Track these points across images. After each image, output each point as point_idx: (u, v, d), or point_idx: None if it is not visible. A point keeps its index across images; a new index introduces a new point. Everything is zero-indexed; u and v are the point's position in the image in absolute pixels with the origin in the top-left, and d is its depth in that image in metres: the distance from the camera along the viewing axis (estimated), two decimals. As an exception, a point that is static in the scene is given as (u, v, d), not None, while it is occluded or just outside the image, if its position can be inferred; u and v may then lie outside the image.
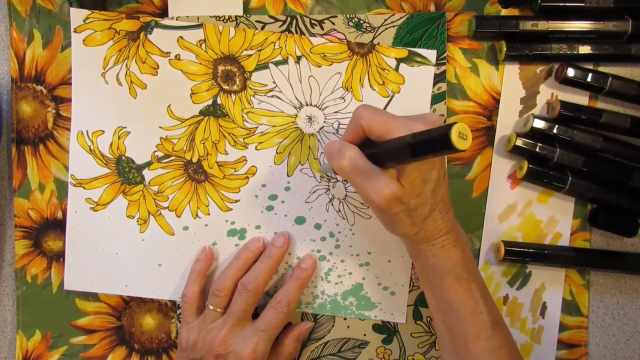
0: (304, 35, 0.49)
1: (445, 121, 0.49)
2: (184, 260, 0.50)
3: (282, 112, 0.49)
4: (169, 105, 0.49)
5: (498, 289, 0.50)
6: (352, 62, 0.49)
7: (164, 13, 0.49)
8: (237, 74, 0.49)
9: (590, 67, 0.49)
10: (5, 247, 0.51)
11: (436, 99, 0.49)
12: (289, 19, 0.49)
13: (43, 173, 0.50)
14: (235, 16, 0.49)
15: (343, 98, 0.49)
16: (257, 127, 0.49)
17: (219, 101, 0.49)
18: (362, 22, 0.49)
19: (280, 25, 0.49)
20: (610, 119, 0.47)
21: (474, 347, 0.41)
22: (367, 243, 0.50)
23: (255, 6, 0.49)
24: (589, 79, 0.47)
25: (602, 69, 0.49)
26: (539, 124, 0.48)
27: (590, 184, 0.48)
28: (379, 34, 0.49)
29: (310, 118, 0.49)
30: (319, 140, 0.49)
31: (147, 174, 0.50)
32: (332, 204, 0.50)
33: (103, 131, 0.49)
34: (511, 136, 0.48)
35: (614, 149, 0.48)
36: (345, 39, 0.49)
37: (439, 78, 0.49)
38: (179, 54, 0.48)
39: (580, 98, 0.49)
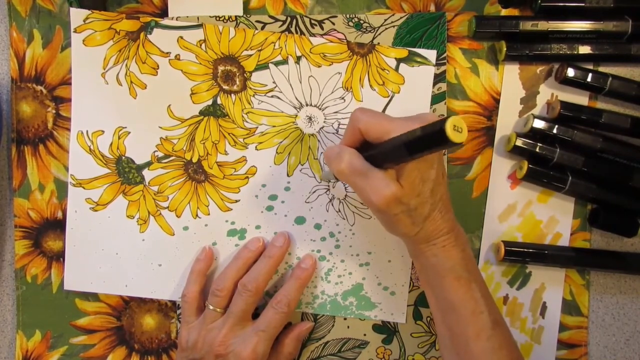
0: (304, 35, 0.49)
1: (445, 121, 0.49)
2: (184, 260, 0.50)
3: (282, 112, 0.49)
4: (169, 105, 0.49)
5: (498, 289, 0.50)
6: (352, 62, 0.49)
7: (164, 13, 0.49)
8: (237, 74, 0.49)
9: (590, 67, 0.49)
10: (5, 247, 0.51)
11: (436, 99, 0.49)
12: (289, 19, 0.49)
13: (43, 173, 0.50)
14: (235, 16, 0.49)
15: (343, 98, 0.49)
16: (257, 127, 0.49)
17: (219, 101, 0.49)
18: (362, 22, 0.49)
19: (280, 25, 0.49)
20: (610, 119, 0.47)
21: (474, 346, 0.41)
22: (367, 243, 0.50)
23: (255, 6, 0.49)
24: (589, 79, 0.47)
25: (602, 69, 0.49)
26: (539, 124, 0.48)
27: (590, 184, 0.48)
28: (379, 34, 0.49)
29: (310, 118, 0.49)
30: (319, 141, 0.49)
31: (147, 174, 0.50)
32: (332, 204, 0.50)
33: (103, 131, 0.49)
34: (511, 136, 0.48)
35: (614, 149, 0.48)
36: (345, 39, 0.49)
37: (439, 78, 0.49)
38: (179, 54, 0.48)
39: (580, 98, 0.49)
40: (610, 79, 0.47)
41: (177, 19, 0.49)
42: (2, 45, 0.50)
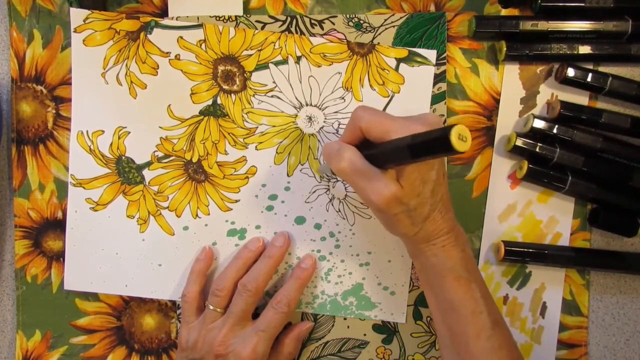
0: (304, 35, 0.49)
1: (445, 122, 0.49)
2: (184, 260, 0.50)
3: (282, 112, 0.49)
4: (169, 105, 0.49)
5: (498, 289, 0.50)
6: (352, 62, 0.49)
7: (164, 13, 0.49)
8: (237, 74, 0.49)
9: (590, 67, 0.49)
10: (5, 247, 0.51)
11: (436, 99, 0.49)
12: (289, 19, 0.49)
13: (43, 173, 0.50)
14: (235, 16, 0.49)
15: (343, 98, 0.49)
16: (257, 127, 0.49)
17: (219, 101, 0.49)
18: (362, 22, 0.49)
19: (280, 25, 0.49)
20: (610, 119, 0.47)
21: (474, 346, 0.41)
22: (367, 243, 0.50)
23: (255, 6, 0.49)
24: (589, 79, 0.47)
25: (602, 69, 0.49)
26: (539, 124, 0.48)
27: (590, 184, 0.48)
28: (379, 34, 0.49)
29: (310, 118, 0.49)
30: (319, 140, 0.49)
31: (147, 174, 0.50)
32: (332, 204, 0.50)
33: (103, 131, 0.49)
34: (511, 136, 0.48)
35: (614, 149, 0.48)
36: (345, 39, 0.49)
37: (439, 78, 0.49)
38: (179, 54, 0.48)
39: (580, 98, 0.49)
40: (610, 78, 0.47)
41: (177, 19, 0.49)
42: (2, 45, 0.50)
